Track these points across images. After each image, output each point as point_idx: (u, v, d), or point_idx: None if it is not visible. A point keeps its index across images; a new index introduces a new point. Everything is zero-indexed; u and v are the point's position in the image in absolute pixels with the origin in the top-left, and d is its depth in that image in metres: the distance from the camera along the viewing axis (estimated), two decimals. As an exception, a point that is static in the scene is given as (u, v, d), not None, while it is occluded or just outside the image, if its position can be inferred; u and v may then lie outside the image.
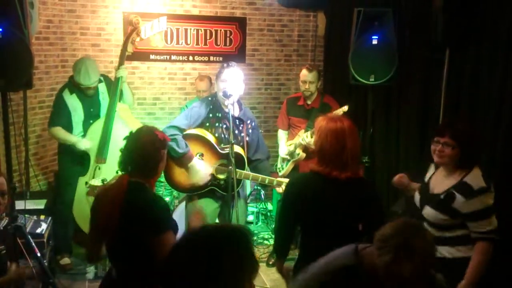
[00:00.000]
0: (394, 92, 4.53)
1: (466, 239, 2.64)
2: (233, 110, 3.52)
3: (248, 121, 3.68)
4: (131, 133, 2.43)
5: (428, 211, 2.71)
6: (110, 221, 2.26)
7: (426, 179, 2.88)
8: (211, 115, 3.57)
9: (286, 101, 4.84)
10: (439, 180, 2.77)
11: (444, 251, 2.68)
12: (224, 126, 3.56)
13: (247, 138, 3.65)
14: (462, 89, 3.72)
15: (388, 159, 4.70)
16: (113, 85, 4.37)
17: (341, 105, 4.20)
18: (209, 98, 3.65)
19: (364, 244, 1.96)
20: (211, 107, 3.58)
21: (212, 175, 3.54)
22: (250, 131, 3.69)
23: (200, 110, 3.57)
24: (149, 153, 2.36)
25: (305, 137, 4.25)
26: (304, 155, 4.39)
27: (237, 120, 3.59)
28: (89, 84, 4.27)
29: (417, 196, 2.87)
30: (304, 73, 4.52)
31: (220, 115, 3.57)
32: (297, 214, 2.62)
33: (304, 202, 2.55)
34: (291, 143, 4.53)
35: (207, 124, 3.57)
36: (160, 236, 2.24)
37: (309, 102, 4.58)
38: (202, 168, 3.50)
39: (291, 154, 4.48)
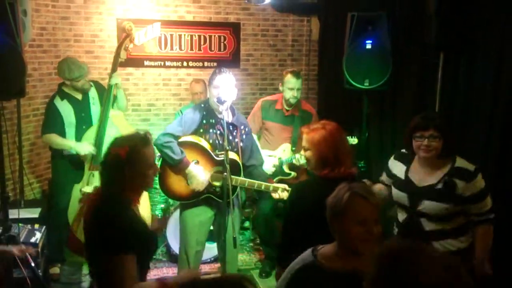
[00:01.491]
0: (389, 96, 4.53)
1: (466, 228, 2.74)
2: (227, 116, 3.50)
3: (242, 127, 3.66)
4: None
5: (428, 204, 2.72)
6: (84, 232, 2.27)
7: (401, 176, 2.87)
8: (204, 121, 3.55)
9: (262, 104, 4.60)
10: (423, 173, 2.79)
11: (448, 245, 2.71)
12: (218, 132, 3.55)
13: (241, 144, 3.63)
14: (456, 93, 3.72)
15: (384, 164, 4.68)
16: (106, 92, 4.35)
17: (334, 111, 4.16)
18: (202, 105, 3.63)
19: (322, 245, 2.05)
20: (204, 113, 3.56)
21: (208, 182, 3.52)
22: (244, 136, 3.67)
23: (193, 116, 3.55)
24: (107, 173, 2.29)
25: (300, 159, 4.13)
26: (295, 174, 4.36)
27: (230, 126, 3.57)
28: (75, 76, 4.24)
29: (399, 195, 2.85)
30: (292, 80, 4.36)
31: (213, 121, 3.56)
32: (302, 221, 2.57)
33: (309, 208, 2.53)
34: (272, 155, 4.38)
35: (201, 130, 3.55)
36: (116, 258, 2.10)
37: (288, 108, 4.46)
38: (200, 173, 3.47)
39: (277, 170, 4.34)
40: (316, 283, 1.95)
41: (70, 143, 4.28)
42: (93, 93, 4.46)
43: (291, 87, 4.36)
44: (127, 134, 2.50)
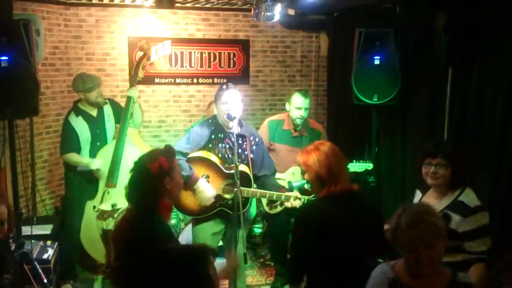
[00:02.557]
0: (398, 112, 4.52)
1: (467, 264, 2.62)
2: (236, 130, 3.53)
3: (251, 137, 3.68)
4: (134, 164, 2.40)
5: None
6: (117, 254, 2.27)
7: None
8: (213, 136, 3.59)
9: (268, 124, 4.52)
10: (432, 202, 2.76)
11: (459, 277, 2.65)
12: (227, 145, 3.58)
13: (251, 155, 3.65)
14: (466, 108, 3.71)
15: (394, 179, 4.68)
16: (125, 105, 4.42)
17: (342, 128, 4.14)
18: (209, 121, 3.67)
19: (390, 261, 2.15)
20: (212, 128, 3.60)
21: (220, 195, 3.54)
22: (254, 147, 3.68)
23: (201, 133, 3.59)
24: (145, 189, 2.32)
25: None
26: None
27: (239, 138, 3.59)
28: (88, 86, 4.34)
29: None
30: (300, 100, 4.31)
31: (222, 135, 3.59)
32: (310, 241, 2.55)
33: (315, 227, 2.52)
34: (281, 178, 4.29)
35: (210, 145, 3.59)
36: None
37: (297, 129, 4.40)
38: (207, 189, 3.49)
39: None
40: None
41: (84, 160, 4.33)
42: (108, 110, 4.52)
43: (298, 106, 4.33)
44: (152, 149, 2.60)
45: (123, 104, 4.52)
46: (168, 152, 2.45)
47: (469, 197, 2.65)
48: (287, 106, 4.45)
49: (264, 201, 4.33)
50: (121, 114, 4.45)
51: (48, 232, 4.37)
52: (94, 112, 4.46)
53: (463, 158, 2.75)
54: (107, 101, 4.58)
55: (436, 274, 1.99)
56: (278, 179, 4.26)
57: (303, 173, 2.75)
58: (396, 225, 2.01)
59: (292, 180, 4.21)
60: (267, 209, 4.33)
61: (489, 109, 3.46)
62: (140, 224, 2.29)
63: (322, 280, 2.49)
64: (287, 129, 4.45)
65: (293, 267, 2.80)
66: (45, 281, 3.01)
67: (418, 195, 2.94)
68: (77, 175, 4.43)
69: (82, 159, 4.34)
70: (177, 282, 1.46)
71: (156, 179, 2.31)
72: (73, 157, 4.36)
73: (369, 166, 4.24)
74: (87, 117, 4.42)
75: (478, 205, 2.62)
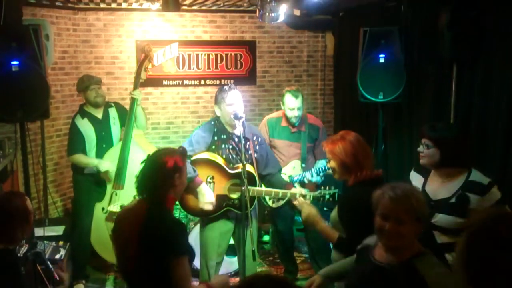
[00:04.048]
0: (404, 109, 4.54)
1: None
2: (241, 130, 3.57)
3: (254, 138, 3.71)
4: (148, 156, 2.49)
5: (442, 218, 2.72)
6: (128, 246, 2.31)
7: (419, 188, 2.89)
8: (216, 138, 3.62)
9: (267, 121, 4.54)
10: (437, 186, 2.82)
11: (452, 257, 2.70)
12: (230, 146, 3.62)
13: (255, 155, 3.69)
14: (471, 104, 3.72)
15: (401, 176, 4.69)
16: (129, 107, 4.49)
17: (348, 124, 4.19)
18: (212, 122, 3.69)
19: None
20: (215, 130, 3.63)
21: (226, 195, 3.58)
22: (257, 147, 3.72)
23: (204, 135, 3.62)
24: (158, 180, 2.39)
25: (311, 177, 4.23)
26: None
27: (242, 139, 3.63)
28: (86, 84, 4.48)
29: None
30: (290, 100, 4.29)
31: (225, 136, 3.62)
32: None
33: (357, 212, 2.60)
34: (283, 172, 4.24)
35: (213, 147, 3.62)
36: (176, 260, 2.28)
37: (295, 125, 4.41)
38: (207, 194, 3.50)
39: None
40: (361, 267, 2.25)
41: (93, 161, 4.40)
42: (113, 113, 4.59)
43: (291, 107, 4.31)
44: (169, 147, 2.72)
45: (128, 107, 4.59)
46: (183, 152, 2.62)
47: (480, 176, 2.72)
48: (282, 106, 4.46)
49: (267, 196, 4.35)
50: (126, 117, 4.53)
51: (60, 233, 4.45)
52: (99, 115, 4.53)
53: (458, 140, 2.81)
54: (113, 104, 4.66)
55: (406, 250, 2.08)
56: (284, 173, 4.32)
57: (328, 161, 2.85)
58: (381, 195, 2.10)
59: (292, 174, 4.28)
60: (270, 203, 4.39)
61: (494, 105, 3.47)
62: (157, 214, 2.36)
63: None
64: (285, 125, 4.46)
65: (348, 246, 2.76)
66: (57, 278, 3.06)
67: (418, 179, 2.97)
68: (85, 178, 4.50)
69: (92, 160, 4.41)
70: None
71: (170, 173, 2.40)
72: (81, 158, 4.43)
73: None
74: (92, 119, 4.49)
75: (490, 181, 2.70)
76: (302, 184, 4.26)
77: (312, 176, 4.21)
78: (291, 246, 4.74)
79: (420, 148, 2.83)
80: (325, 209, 4.19)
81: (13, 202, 2.59)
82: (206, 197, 3.50)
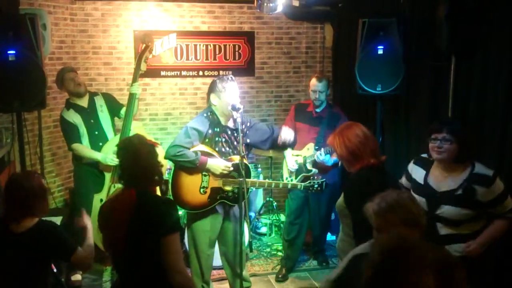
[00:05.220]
0: (402, 101, 4.54)
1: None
2: (228, 122, 3.60)
3: (242, 126, 3.62)
4: (119, 147, 2.51)
5: (447, 210, 2.76)
6: (118, 233, 2.33)
7: (420, 181, 2.92)
8: (210, 130, 3.58)
9: (295, 106, 4.87)
10: (441, 178, 2.84)
11: (458, 247, 2.72)
12: (223, 139, 3.60)
13: (248, 140, 3.70)
14: (469, 96, 3.72)
15: (399, 168, 4.69)
16: (128, 102, 4.46)
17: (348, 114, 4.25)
18: (204, 115, 3.63)
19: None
20: (209, 123, 3.60)
21: (220, 188, 3.58)
22: (247, 132, 3.70)
23: (199, 127, 3.57)
24: (152, 164, 2.45)
25: (319, 155, 4.29)
26: (316, 171, 4.43)
27: (234, 132, 3.62)
28: (64, 71, 4.51)
29: (418, 199, 2.86)
30: (314, 83, 4.58)
31: (218, 129, 3.60)
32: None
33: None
34: (298, 154, 4.55)
35: (207, 140, 3.59)
36: (169, 236, 2.31)
37: (317, 110, 4.63)
38: (218, 162, 3.52)
39: (300, 168, 4.50)
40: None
41: (97, 156, 4.37)
42: (100, 101, 4.60)
43: (314, 89, 4.58)
44: (136, 134, 2.83)
45: (121, 99, 4.57)
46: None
47: (483, 169, 2.76)
48: (309, 91, 4.72)
49: (286, 170, 4.67)
50: (114, 105, 4.60)
51: (58, 224, 4.43)
52: (84, 103, 4.53)
53: (469, 134, 2.86)
54: (99, 93, 4.72)
55: None
56: (297, 155, 4.54)
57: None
58: (376, 206, 2.08)
59: (306, 156, 4.47)
60: (287, 175, 4.65)
61: (492, 96, 3.47)
62: (149, 195, 2.42)
63: None
64: (310, 110, 4.68)
65: (359, 231, 2.76)
66: (55, 270, 3.07)
67: (419, 171, 2.98)
68: (84, 169, 4.50)
69: (95, 154, 4.39)
70: None
71: (155, 154, 2.48)
72: (85, 150, 4.42)
73: None
74: (78, 109, 4.49)
75: (493, 172, 2.74)
76: (315, 164, 4.42)
77: (321, 155, 4.30)
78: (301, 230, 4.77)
79: (439, 143, 2.79)
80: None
81: (32, 180, 2.69)
82: (220, 165, 3.51)
